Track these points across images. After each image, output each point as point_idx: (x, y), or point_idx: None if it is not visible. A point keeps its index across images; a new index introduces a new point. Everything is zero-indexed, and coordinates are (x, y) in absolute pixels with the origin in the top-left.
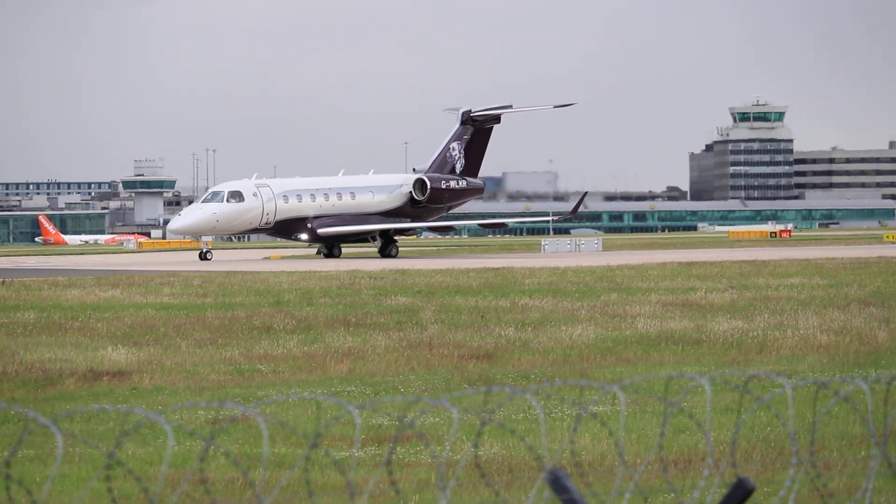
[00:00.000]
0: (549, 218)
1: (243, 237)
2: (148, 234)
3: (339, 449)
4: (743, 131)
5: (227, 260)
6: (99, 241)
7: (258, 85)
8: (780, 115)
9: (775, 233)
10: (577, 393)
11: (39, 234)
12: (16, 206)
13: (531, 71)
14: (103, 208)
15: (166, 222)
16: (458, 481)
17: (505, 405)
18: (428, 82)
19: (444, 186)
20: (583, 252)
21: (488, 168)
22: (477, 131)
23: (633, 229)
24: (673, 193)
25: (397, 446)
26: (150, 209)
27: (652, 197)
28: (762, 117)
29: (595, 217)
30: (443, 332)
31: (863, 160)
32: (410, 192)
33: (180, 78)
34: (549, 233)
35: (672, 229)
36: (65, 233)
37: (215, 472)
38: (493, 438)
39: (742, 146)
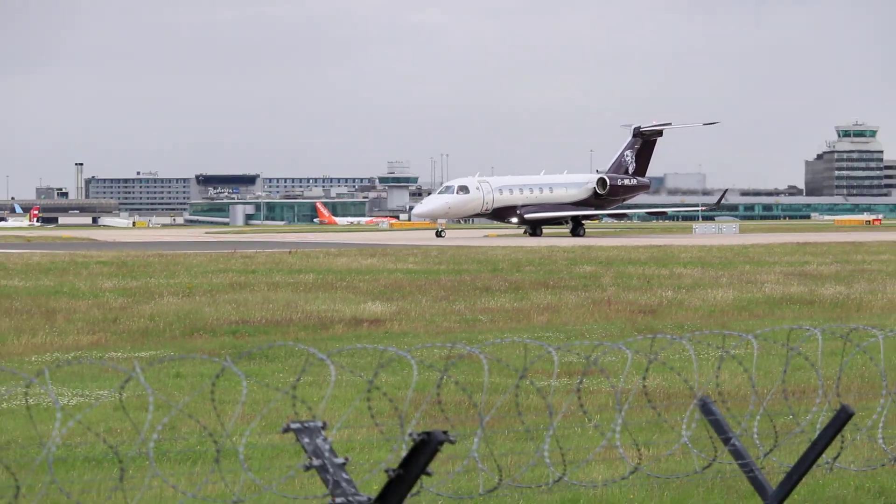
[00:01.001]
0: (699, 208)
1: (468, 220)
2: (397, 217)
3: (540, 379)
4: (845, 144)
5: (456, 237)
6: (361, 222)
7: (481, 103)
8: (873, 133)
9: (869, 221)
10: (720, 340)
11: (316, 217)
12: (299, 195)
13: (687, 93)
14: (364, 197)
15: (411, 208)
16: (630, 405)
17: (666, 348)
18: (610, 103)
19: (619, 183)
20: (724, 234)
21: (653, 169)
22: (645, 142)
23: (763, 217)
24: (792, 190)
25: (584, 378)
26: (398, 198)
27: (777, 193)
28: (860, 134)
29: (733, 208)
30: (618, 292)
31: None
32: (594, 187)
33: (423, 96)
34: (698, 220)
35: (791, 217)
36: (335, 216)
37: (447, 395)
38: (656, 373)
39: (845, 155)
